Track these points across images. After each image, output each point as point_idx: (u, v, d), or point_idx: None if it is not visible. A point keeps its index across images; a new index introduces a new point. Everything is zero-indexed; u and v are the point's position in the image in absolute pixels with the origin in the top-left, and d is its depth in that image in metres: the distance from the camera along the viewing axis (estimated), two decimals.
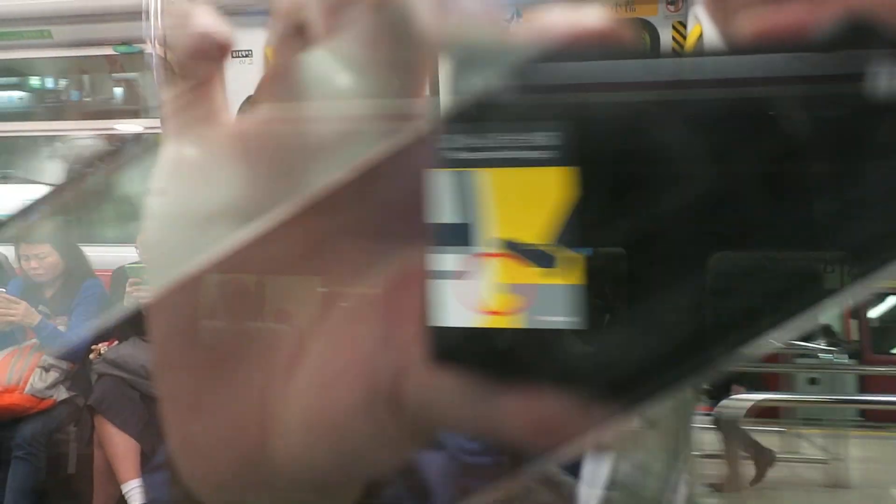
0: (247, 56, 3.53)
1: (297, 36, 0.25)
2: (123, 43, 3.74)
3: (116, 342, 3.04)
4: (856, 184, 0.18)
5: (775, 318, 0.19)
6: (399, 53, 0.23)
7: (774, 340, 0.19)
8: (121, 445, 2.80)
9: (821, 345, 4.11)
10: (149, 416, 2.86)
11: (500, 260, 0.20)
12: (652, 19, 3.81)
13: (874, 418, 4.39)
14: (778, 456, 3.74)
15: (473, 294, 0.20)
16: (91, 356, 3.02)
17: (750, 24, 0.19)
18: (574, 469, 0.55)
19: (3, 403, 2.91)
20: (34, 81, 4.72)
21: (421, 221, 0.20)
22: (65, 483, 3.06)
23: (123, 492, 2.76)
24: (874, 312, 5.34)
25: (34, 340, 3.03)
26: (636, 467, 0.53)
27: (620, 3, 3.79)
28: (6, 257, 3.37)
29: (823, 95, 0.18)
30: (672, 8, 3.74)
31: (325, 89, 0.24)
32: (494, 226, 0.20)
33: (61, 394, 3.01)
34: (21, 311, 2.92)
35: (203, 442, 0.25)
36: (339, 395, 0.23)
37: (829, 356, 4.10)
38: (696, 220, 0.19)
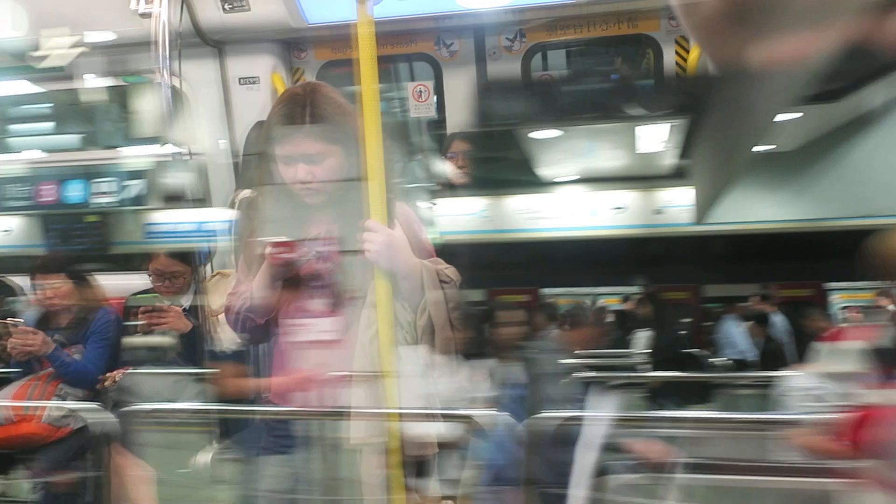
0: (254, 83, 3.57)
1: None
2: (132, 73, 3.79)
3: (130, 369, 3.05)
4: None
5: None
6: None
7: None
8: (136, 473, 2.80)
9: None
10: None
11: None
12: (655, 35, 3.83)
13: None
14: None
15: None
16: (106, 384, 3.03)
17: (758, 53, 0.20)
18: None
19: (21, 432, 2.92)
20: None
21: None
22: None
23: None
24: None
25: (50, 369, 3.05)
26: None
27: (622, 18, 3.81)
28: (22, 287, 3.40)
29: None
30: (674, 23, 3.76)
31: None
32: None
33: (77, 422, 3.02)
34: (39, 341, 2.94)
35: None
36: None
37: None
38: None
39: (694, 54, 3.65)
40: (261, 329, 1.76)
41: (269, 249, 1.66)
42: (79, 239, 4.62)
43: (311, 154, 1.66)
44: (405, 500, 1.66)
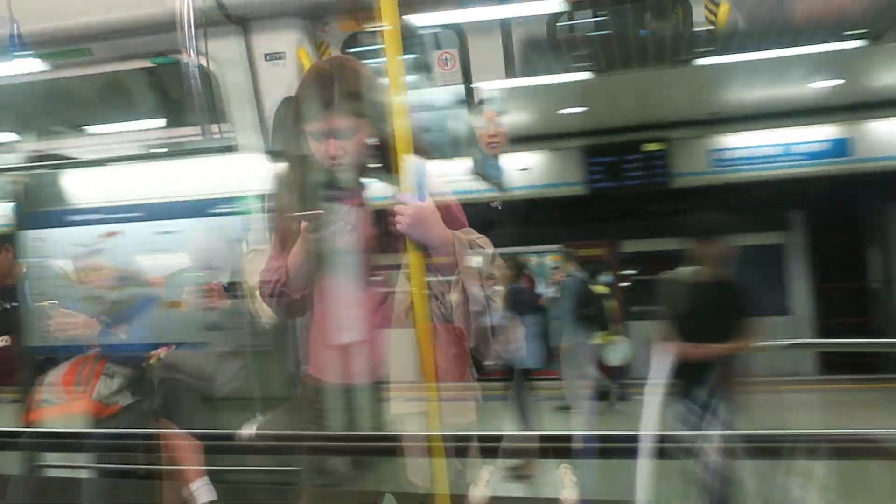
0: (279, 58, 3.57)
1: None
2: (160, 55, 3.81)
3: (174, 347, 3.12)
4: None
5: None
6: None
7: None
8: (184, 447, 2.88)
9: None
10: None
11: None
12: None
13: None
14: None
15: None
16: (151, 361, 3.10)
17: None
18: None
19: (73, 410, 3.02)
20: None
21: None
22: (135, 486, 3.17)
23: (189, 492, 2.85)
24: None
25: (97, 349, 3.13)
26: None
27: None
28: (66, 271, 3.48)
29: None
30: None
31: None
32: None
33: (126, 399, 3.11)
34: (81, 323, 3.02)
35: None
36: None
37: None
38: None
39: (722, 13, 3.55)
40: (296, 303, 1.78)
41: (303, 224, 1.67)
42: None
43: (340, 129, 1.66)
44: (445, 468, 1.68)
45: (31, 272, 3.64)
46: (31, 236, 3.76)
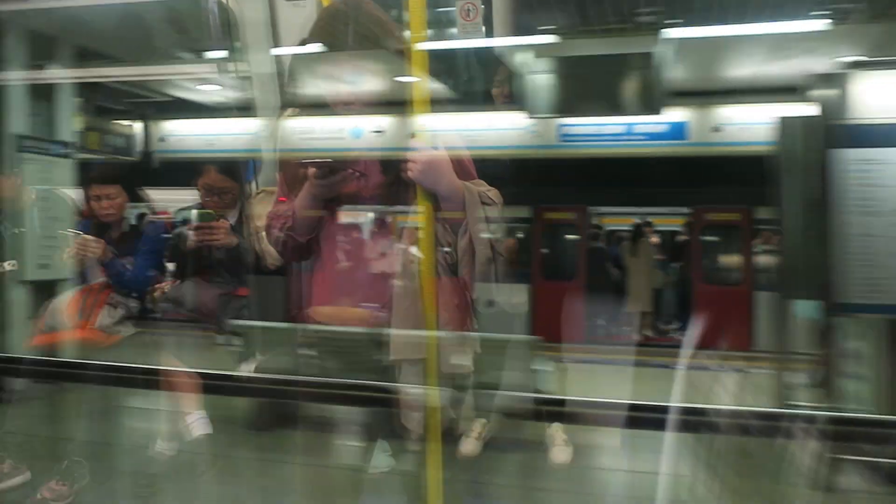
0: None
1: None
2: None
3: (178, 282, 3.14)
4: None
5: None
6: None
7: None
8: (182, 380, 2.92)
9: None
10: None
11: None
12: None
13: None
14: None
15: None
16: (155, 294, 3.13)
17: None
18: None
19: (75, 338, 3.06)
20: None
21: None
22: (133, 416, 3.22)
23: (186, 423, 2.90)
24: None
25: (102, 279, 3.16)
26: None
27: None
28: (75, 200, 3.49)
29: None
30: None
31: None
32: None
33: (128, 330, 3.14)
34: (101, 249, 3.03)
35: None
36: None
37: None
38: None
39: None
40: (302, 247, 1.79)
41: (311, 169, 1.66)
42: None
43: (353, 74, 1.64)
44: (440, 417, 1.70)
45: (39, 200, 3.65)
46: None
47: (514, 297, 1.68)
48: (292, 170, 1.78)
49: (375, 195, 1.71)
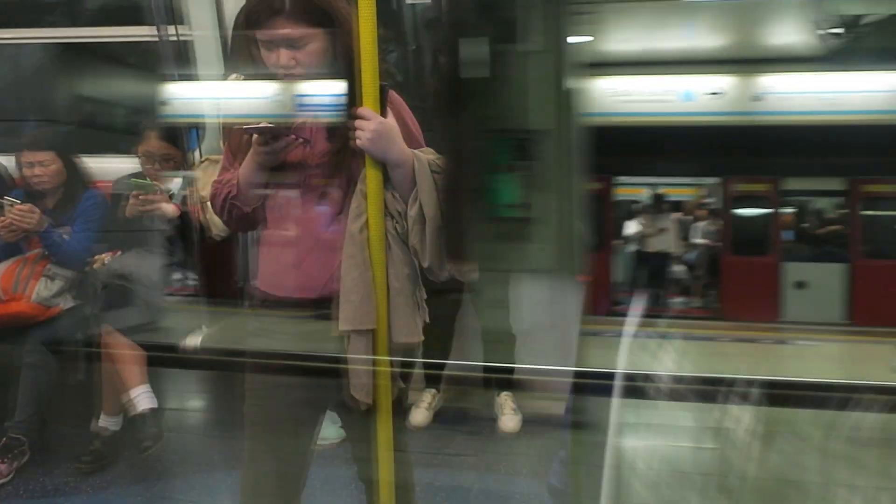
0: None
1: None
2: None
3: (119, 253, 3.06)
4: None
5: None
6: None
7: None
8: (126, 354, 2.86)
9: None
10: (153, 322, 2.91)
11: None
12: None
13: None
14: None
15: None
16: (95, 266, 3.04)
17: None
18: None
19: (10, 311, 2.95)
20: None
21: None
22: (74, 389, 3.15)
23: (129, 398, 2.83)
24: None
25: (38, 250, 3.05)
26: None
27: None
28: (6, 168, 3.34)
29: None
30: None
31: None
32: None
33: (67, 302, 3.05)
34: (37, 219, 2.92)
35: None
36: None
37: None
38: None
39: None
40: (247, 217, 1.75)
41: (255, 136, 1.62)
42: None
43: (292, 38, 1.60)
44: (390, 388, 1.69)
45: None
46: None
47: (465, 265, 1.68)
48: (236, 137, 1.73)
49: (322, 163, 1.67)
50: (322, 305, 1.67)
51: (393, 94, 1.70)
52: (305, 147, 1.67)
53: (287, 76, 1.64)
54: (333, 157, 1.66)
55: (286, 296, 1.72)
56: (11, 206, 2.89)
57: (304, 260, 1.70)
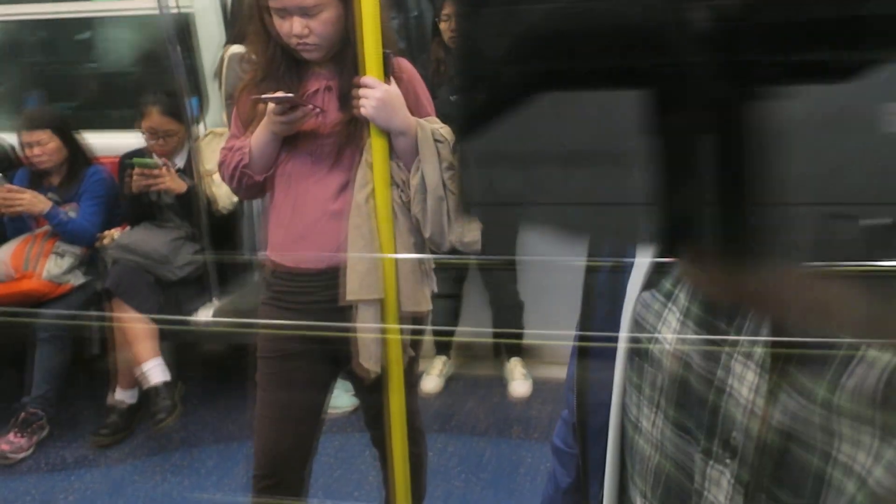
0: None
1: None
2: None
3: (128, 228, 3.07)
4: None
5: None
6: None
7: None
8: (138, 328, 2.88)
9: None
10: (163, 299, 2.93)
11: None
12: None
13: None
14: None
15: None
16: (104, 242, 3.05)
17: None
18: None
19: (22, 289, 2.97)
20: None
21: None
22: (89, 364, 3.19)
23: (141, 371, 2.86)
24: None
25: (46, 228, 3.06)
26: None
27: None
28: (13, 147, 3.34)
29: None
30: None
31: None
32: None
33: (78, 279, 3.07)
34: (27, 199, 2.93)
35: None
36: None
37: None
38: None
39: None
40: (257, 185, 1.75)
41: (270, 105, 1.62)
42: None
43: (306, 6, 1.59)
44: (399, 357, 1.71)
45: None
46: None
47: (467, 235, 1.68)
48: (246, 105, 1.73)
49: (333, 133, 1.67)
50: (331, 276, 1.68)
51: (404, 63, 1.69)
52: (319, 116, 1.66)
53: (300, 45, 1.62)
54: (345, 126, 1.66)
55: (296, 266, 1.73)
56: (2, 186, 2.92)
57: (312, 230, 1.70)
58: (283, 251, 1.75)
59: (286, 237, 1.74)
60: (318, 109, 1.65)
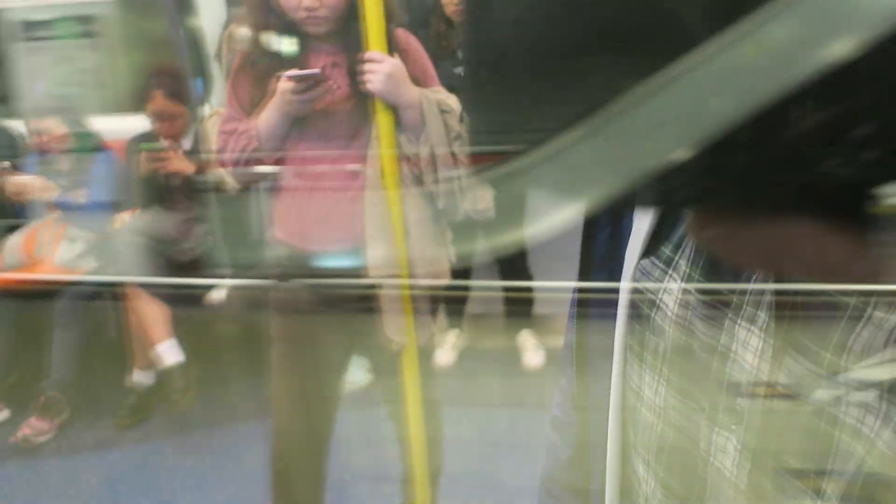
0: None
1: None
2: None
3: (138, 211, 3.08)
4: None
5: None
6: None
7: None
8: (151, 310, 2.91)
9: None
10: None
11: None
12: None
13: None
14: None
15: None
16: (116, 225, 3.07)
17: None
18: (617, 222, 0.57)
19: (36, 274, 3.00)
20: None
21: None
22: (107, 347, 3.22)
23: (155, 352, 2.89)
24: None
25: (57, 213, 3.08)
26: None
27: None
28: (21, 134, 3.35)
29: None
30: None
31: None
32: None
33: (91, 263, 3.09)
34: (36, 187, 2.95)
35: None
36: None
37: None
38: None
39: None
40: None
41: (284, 83, 1.58)
42: None
43: None
44: (413, 329, 1.72)
45: None
46: None
47: (480, 203, 1.66)
48: (247, 85, 1.68)
49: (342, 110, 1.65)
50: (348, 253, 1.67)
51: (407, 35, 1.66)
52: (332, 93, 1.63)
53: (310, 19, 1.59)
54: (357, 103, 1.63)
55: (318, 249, 1.71)
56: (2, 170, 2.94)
57: (332, 212, 1.68)
58: (303, 234, 1.72)
59: (304, 220, 1.71)
60: (336, 86, 1.61)
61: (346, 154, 1.66)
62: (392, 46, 1.57)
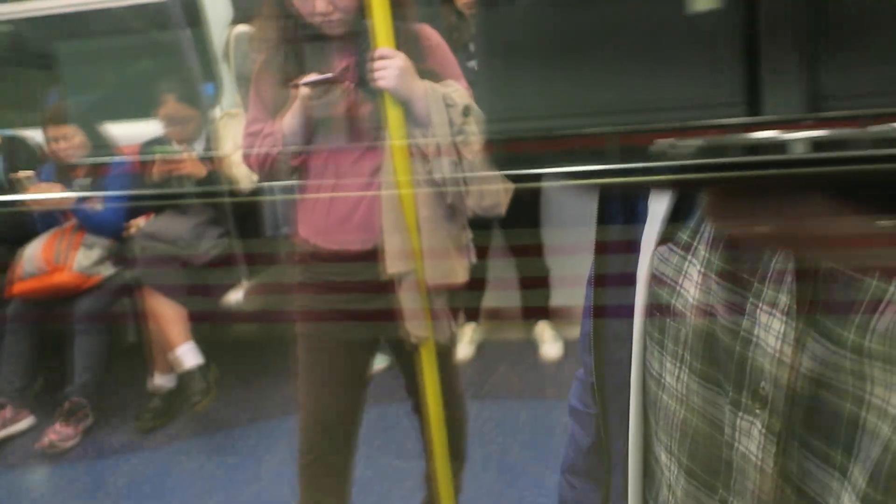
0: None
1: None
2: None
3: (153, 216, 3.10)
4: None
5: None
6: None
7: None
8: (168, 313, 2.93)
9: None
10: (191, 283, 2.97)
11: None
12: None
13: None
14: None
15: None
16: (131, 231, 3.09)
17: None
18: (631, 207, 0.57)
19: (54, 282, 3.03)
20: None
21: None
22: (127, 351, 3.25)
23: (174, 356, 2.92)
24: None
25: (74, 221, 3.11)
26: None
27: None
28: (37, 142, 3.39)
29: None
30: None
31: None
32: None
33: (108, 270, 3.12)
34: (58, 196, 2.97)
35: None
36: None
37: None
38: None
39: None
40: (289, 169, 1.73)
41: (303, 87, 1.58)
42: None
43: None
44: (433, 327, 1.72)
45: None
46: None
47: (485, 199, 1.66)
48: (270, 88, 1.69)
49: (365, 110, 1.65)
50: (375, 254, 1.68)
51: (430, 30, 1.66)
52: (351, 94, 1.63)
53: (325, 23, 1.60)
54: (365, 102, 1.63)
55: (341, 248, 1.72)
56: (28, 181, 2.96)
57: (355, 212, 1.69)
58: (326, 234, 1.73)
59: (328, 220, 1.72)
60: (353, 86, 1.62)
61: (371, 153, 1.66)
62: (416, 42, 1.57)
